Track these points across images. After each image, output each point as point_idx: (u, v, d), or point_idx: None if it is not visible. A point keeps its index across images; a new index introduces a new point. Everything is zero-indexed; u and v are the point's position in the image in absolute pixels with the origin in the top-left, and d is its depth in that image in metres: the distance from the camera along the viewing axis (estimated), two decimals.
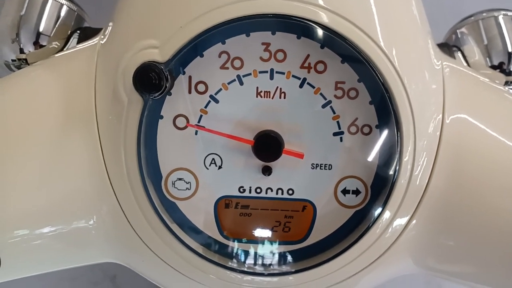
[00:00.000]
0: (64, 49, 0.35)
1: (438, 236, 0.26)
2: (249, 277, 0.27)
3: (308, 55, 0.24)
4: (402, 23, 0.25)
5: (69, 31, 0.36)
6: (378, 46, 0.23)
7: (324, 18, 0.23)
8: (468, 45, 0.37)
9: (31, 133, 0.26)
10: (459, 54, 0.37)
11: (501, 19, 0.36)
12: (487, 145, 0.26)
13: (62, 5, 0.36)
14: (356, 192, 0.26)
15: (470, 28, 0.37)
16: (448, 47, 0.37)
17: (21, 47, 0.36)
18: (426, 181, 0.25)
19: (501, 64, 0.36)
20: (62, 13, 0.36)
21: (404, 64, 0.24)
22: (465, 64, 0.36)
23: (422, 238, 0.26)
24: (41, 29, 0.35)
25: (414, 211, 0.25)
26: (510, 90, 0.33)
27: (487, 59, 0.36)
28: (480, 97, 0.29)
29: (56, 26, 0.36)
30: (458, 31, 0.38)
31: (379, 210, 0.25)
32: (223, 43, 0.24)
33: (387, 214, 0.25)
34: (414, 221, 0.26)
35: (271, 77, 0.25)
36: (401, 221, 0.25)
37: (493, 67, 0.36)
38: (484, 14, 0.37)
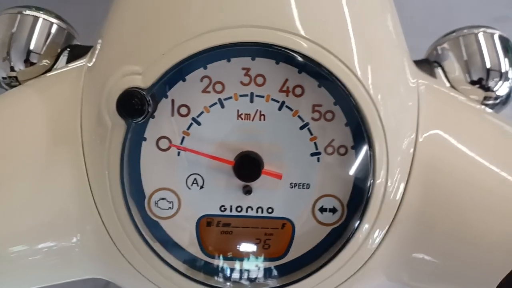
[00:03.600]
0: (54, 67, 0.36)
1: (411, 252, 0.27)
2: None
3: (287, 80, 0.25)
4: (378, 48, 0.26)
5: (59, 49, 0.37)
6: (352, 73, 0.24)
7: (304, 47, 0.24)
8: (448, 61, 0.37)
9: (18, 154, 0.27)
10: (440, 70, 0.37)
11: (480, 36, 0.37)
12: (461, 163, 0.27)
13: (52, 23, 0.37)
14: (333, 210, 0.27)
15: (451, 44, 0.38)
16: (429, 63, 0.38)
17: (12, 65, 0.36)
18: (400, 198, 0.26)
19: (480, 80, 0.36)
20: (52, 32, 0.37)
21: (378, 88, 0.25)
22: (445, 79, 0.37)
23: (396, 255, 0.27)
24: (31, 47, 0.36)
25: (388, 228, 0.26)
26: (487, 109, 0.34)
27: (467, 75, 0.37)
28: (455, 115, 0.29)
29: (46, 44, 0.36)
30: (439, 47, 0.38)
31: (355, 227, 0.26)
32: (205, 68, 0.25)
33: (362, 232, 0.26)
34: (388, 238, 0.27)
35: (251, 101, 0.26)
36: (376, 238, 0.26)
37: (473, 82, 0.37)
38: (465, 30, 0.38)
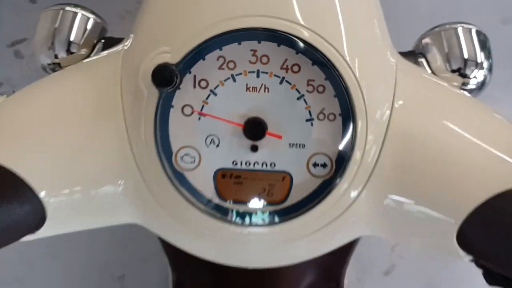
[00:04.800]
0: (91, 55, 0.42)
1: (384, 205, 0.31)
2: (246, 229, 0.32)
3: (286, 59, 0.29)
4: (364, 37, 0.31)
5: (95, 40, 0.42)
6: (341, 56, 0.29)
7: (303, 34, 0.28)
8: (431, 53, 0.41)
9: (70, 118, 0.31)
10: (424, 60, 0.42)
11: (459, 30, 0.41)
12: (430, 128, 0.31)
13: (88, 18, 0.42)
14: (324, 165, 0.31)
15: (433, 37, 0.42)
16: (414, 54, 0.43)
17: (56, 53, 0.41)
18: (376, 158, 0.30)
19: (459, 69, 0.40)
20: (89, 26, 0.42)
21: (361, 68, 0.29)
22: (427, 68, 0.42)
23: (372, 205, 0.31)
24: (72, 39, 0.41)
25: (366, 182, 0.31)
26: (465, 92, 0.38)
27: (447, 64, 0.41)
28: (427, 89, 0.33)
29: (84, 36, 0.42)
30: (423, 40, 0.43)
31: (339, 179, 0.30)
32: (220, 49, 0.29)
33: (345, 183, 0.30)
34: (365, 191, 0.31)
35: (258, 76, 0.30)
36: (355, 189, 0.30)
37: (452, 71, 0.41)
38: (446, 26, 0.42)
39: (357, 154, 0.30)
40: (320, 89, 0.30)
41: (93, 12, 0.43)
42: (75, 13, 0.42)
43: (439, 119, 0.32)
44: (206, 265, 0.75)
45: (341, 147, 0.30)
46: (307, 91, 0.30)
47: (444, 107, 0.33)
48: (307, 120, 0.30)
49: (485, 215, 0.28)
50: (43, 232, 0.31)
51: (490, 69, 0.42)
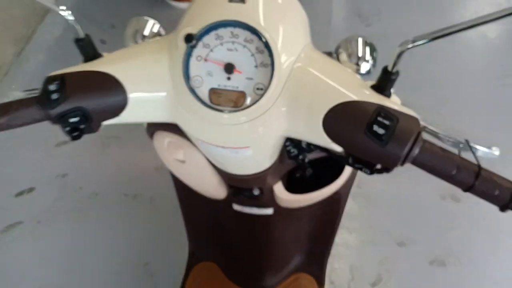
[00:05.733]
0: None
1: (286, 111, 0.52)
2: (224, 114, 0.52)
3: (246, 36, 0.50)
4: (288, 32, 0.52)
5: (157, 35, 0.70)
6: (271, 37, 0.49)
7: (256, 26, 0.49)
8: (342, 53, 0.65)
9: (145, 56, 0.56)
10: (335, 56, 0.65)
11: (359, 40, 0.65)
12: (312, 70, 0.52)
13: (154, 23, 0.71)
14: (262, 89, 0.51)
15: (344, 44, 0.65)
16: (331, 53, 0.66)
17: (136, 41, 0.70)
18: (283, 85, 0.51)
19: (356, 63, 0.65)
20: (155, 28, 0.70)
21: (282, 44, 0.50)
22: (338, 61, 0.64)
23: (280, 111, 0.52)
24: (145, 34, 0.70)
25: (278, 96, 0.51)
26: (357, 74, 0.56)
27: (349, 58, 0.64)
28: (319, 57, 0.55)
29: (153, 34, 0.70)
30: (339, 45, 0.66)
31: (266, 95, 0.51)
32: (216, 30, 0.50)
33: (268, 96, 0.51)
34: (277, 100, 0.51)
35: (233, 44, 0.51)
36: (271, 99, 0.51)
37: (354, 64, 0.65)
38: (355, 37, 0.65)
39: (274, 84, 0.51)
40: (262, 51, 0.52)
41: (157, 21, 0.72)
42: (147, 20, 0.71)
43: (320, 67, 0.53)
44: (214, 234, 1.01)
45: (269, 80, 0.51)
46: (255, 52, 0.52)
47: (326, 64, 0.54)
48: (254, 66, 0.52)
49: (336, 113, 0.49)
50: (121, 118, 0.54)
51: (374, 64, 0.65)
